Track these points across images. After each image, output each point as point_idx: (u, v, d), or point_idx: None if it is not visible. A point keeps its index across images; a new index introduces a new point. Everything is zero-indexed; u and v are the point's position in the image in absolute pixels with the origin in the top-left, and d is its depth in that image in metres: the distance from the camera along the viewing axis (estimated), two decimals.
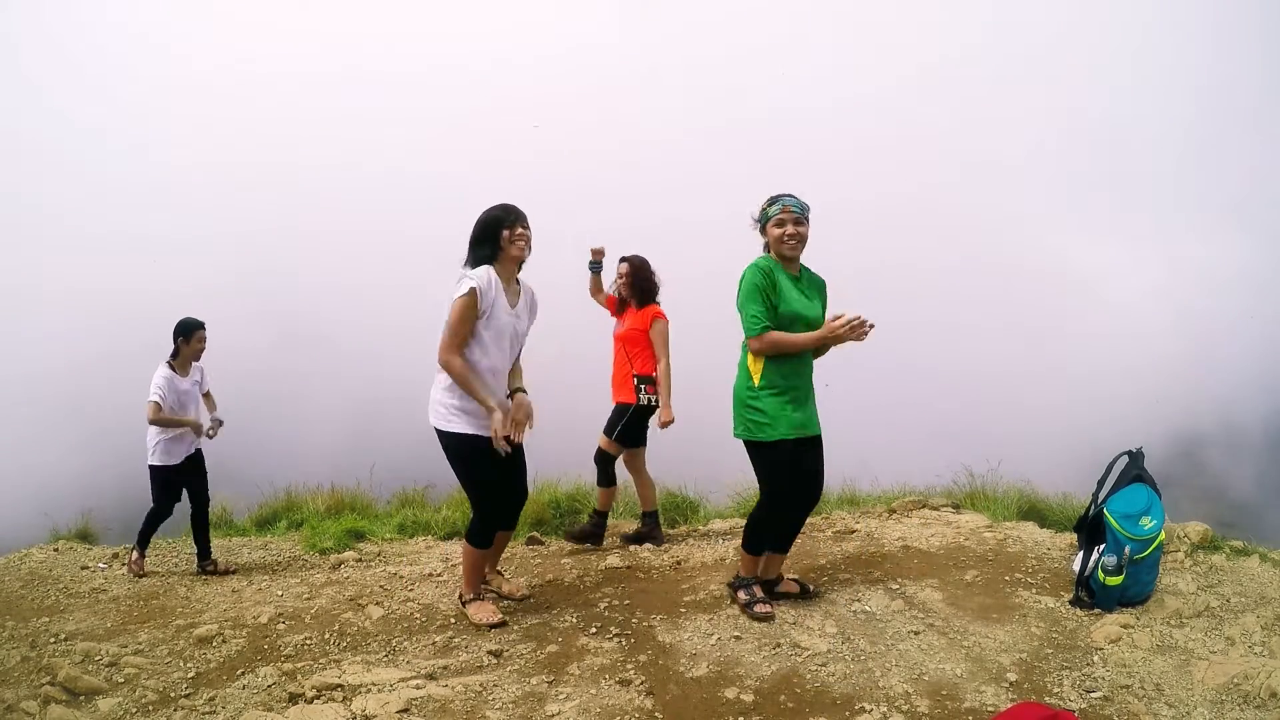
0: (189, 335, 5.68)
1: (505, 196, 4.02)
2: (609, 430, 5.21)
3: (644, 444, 5.32)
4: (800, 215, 3.75)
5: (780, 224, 3.72)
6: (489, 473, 3.88)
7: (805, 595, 4.02)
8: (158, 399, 5.52)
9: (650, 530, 5.39)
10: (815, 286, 3.93)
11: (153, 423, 5.55)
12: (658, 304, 5.24)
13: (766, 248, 3.86)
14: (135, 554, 5.68)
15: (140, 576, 5.52)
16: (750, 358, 3.77)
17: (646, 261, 5.28)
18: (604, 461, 5.25)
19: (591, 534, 5.28)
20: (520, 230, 3.79)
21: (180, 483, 5.72)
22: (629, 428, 5.17)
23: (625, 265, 5.27)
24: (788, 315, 3.69)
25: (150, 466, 5.67)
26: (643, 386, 5.09)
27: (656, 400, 5.10)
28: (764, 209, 3.81)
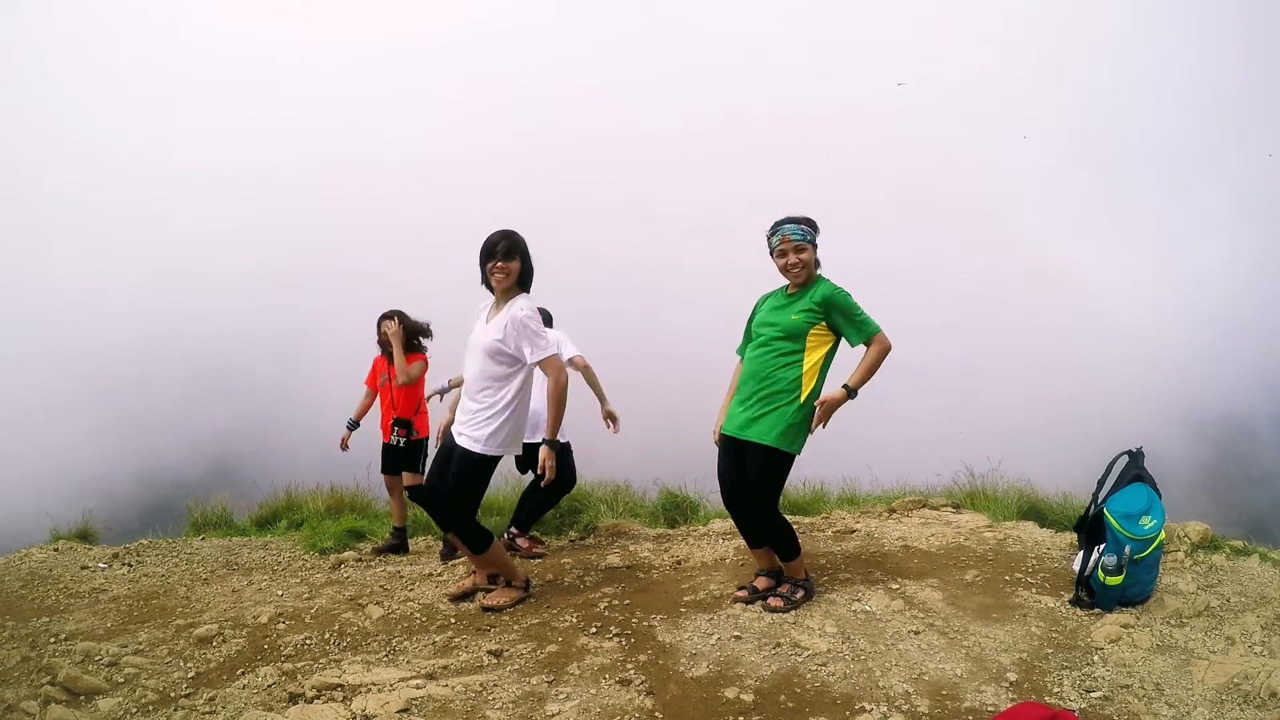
0: None
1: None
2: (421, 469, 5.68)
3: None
4: (801, 241, 3.77)
5: (782, 254, 3.81)
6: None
7: (756, 596, 4.00)
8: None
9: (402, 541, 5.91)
10: (804, 295, 3.83)
11: (590, 383, 4.90)
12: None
13: None
14: (525, 541, 5.24)
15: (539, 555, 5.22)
16: None
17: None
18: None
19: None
20: (491, 264, 4.06)
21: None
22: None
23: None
24: (758, 324, 3.95)
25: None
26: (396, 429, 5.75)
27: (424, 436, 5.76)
28: (768, 238, 3.87)
